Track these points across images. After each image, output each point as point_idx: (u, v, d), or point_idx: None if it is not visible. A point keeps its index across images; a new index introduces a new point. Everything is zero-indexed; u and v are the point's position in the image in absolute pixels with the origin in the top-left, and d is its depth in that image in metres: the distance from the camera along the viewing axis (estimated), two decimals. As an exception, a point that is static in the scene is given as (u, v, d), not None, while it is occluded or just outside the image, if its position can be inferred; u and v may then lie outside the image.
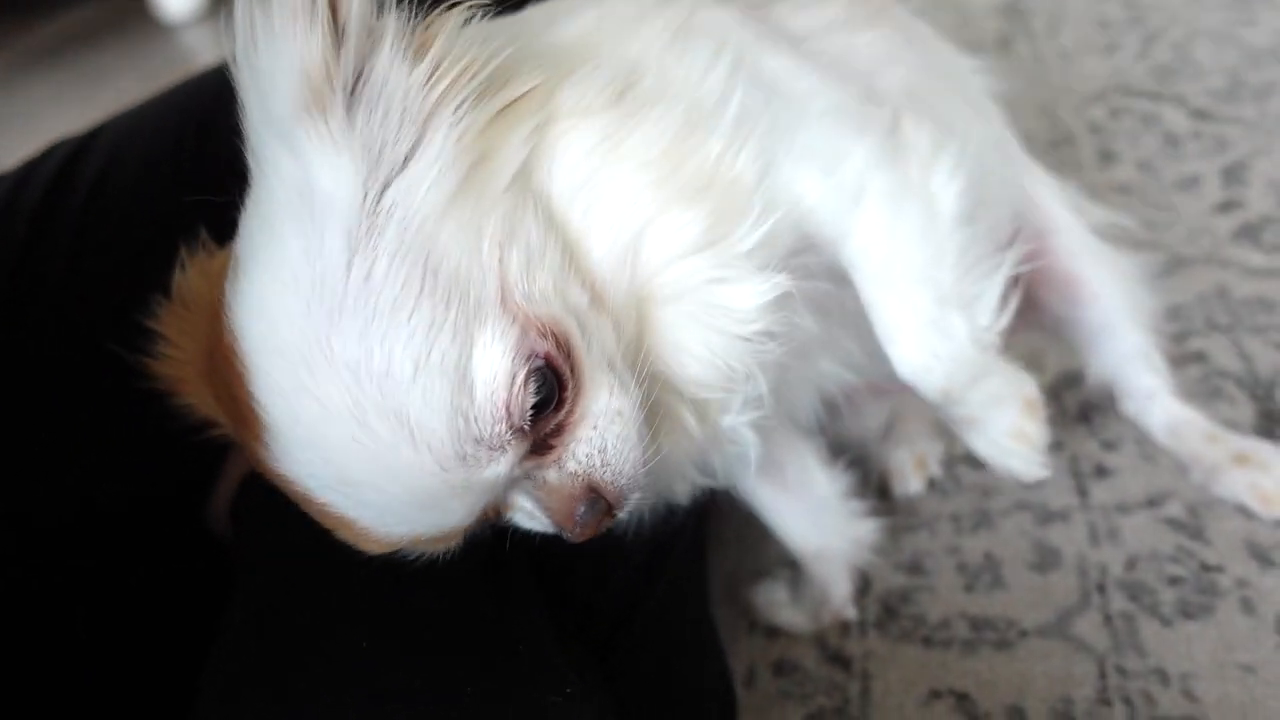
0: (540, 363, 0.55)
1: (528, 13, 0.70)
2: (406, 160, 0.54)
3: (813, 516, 0.97)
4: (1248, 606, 0.91)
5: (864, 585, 1.05)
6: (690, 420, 0.67)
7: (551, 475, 0.59)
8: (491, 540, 0.69)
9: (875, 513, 1.01)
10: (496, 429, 0.54)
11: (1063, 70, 1.78)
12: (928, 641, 0.99)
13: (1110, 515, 1.04)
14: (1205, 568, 0.96)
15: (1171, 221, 1.36)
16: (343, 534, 0.59)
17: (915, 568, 1.06)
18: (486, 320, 0.53)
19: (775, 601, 1.05)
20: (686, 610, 0.89)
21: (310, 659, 0.61)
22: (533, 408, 0.55)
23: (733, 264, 0.63)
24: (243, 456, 0.76)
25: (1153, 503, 1.03)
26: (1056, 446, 1.12)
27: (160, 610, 0.78)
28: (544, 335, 0.55)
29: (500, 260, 0.55)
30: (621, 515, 0.61)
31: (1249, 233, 1.31)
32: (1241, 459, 0.99)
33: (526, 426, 0.55)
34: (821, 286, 0.72)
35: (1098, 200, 1.16)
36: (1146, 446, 1.07)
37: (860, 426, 1.09)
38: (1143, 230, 1.26)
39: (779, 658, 1.02)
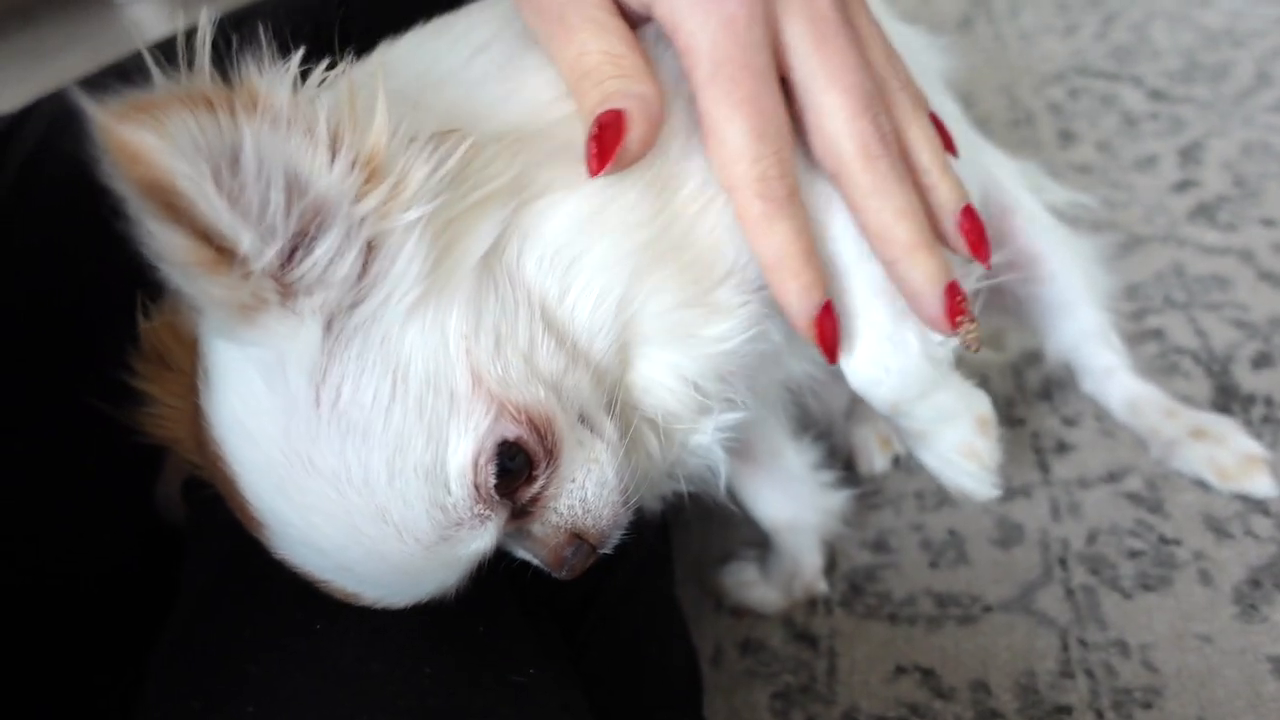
0: (511, 443, 0.56)
1: (448, 77, 0.64)
2: (366, 285, 0.52)
3: (783, 489, 0.97)
4: (1205, 578, 0.92)
5: (830, 564, 1.05)
6: (654, 444, 0.67)
7: (536, 529, 0.60)
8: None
9: (842, 486, 1.01)
10: (475, 510, 0.55)
11: (1023, 50, 1.79)
12: (893, 618, 0.99)
13: (1071, 490, 1.05)
14: (1164, 540, 0.97)
15: (1129, 201, 1.38)
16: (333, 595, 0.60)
17: (880, 545, 1.06)
18: (459, 414, 0.54)
19: (745, 581, 1.04)
20: (652, 589, 0.89)
21: (263, 642, 0.60)
22: (504, 479, 0.56)
23: (712, 311, 0.63)
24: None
25: (1113, 477, 1.04)
26: (1019, 423, 1.13)
27: (107, 595, 0.75)
28: (518, 420, 0.56)
29: (468, 351, 0.55)
30: (608, 550, 0.63)
31: (1204, 211, 1.33)
32: (1199, 433, 1.00)
33: (496, 498, 0.56)
34: None
35: (1058, 180, 1.17)
36: (1106, 422, 1.08)
37: (824, 406, 1.09)
38: (1102, 209, 1.28)
39: (746, 637, 1.02)
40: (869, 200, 0.62)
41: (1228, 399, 1.07)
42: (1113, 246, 1.26)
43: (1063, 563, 0.98)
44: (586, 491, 0.60)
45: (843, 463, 1.14)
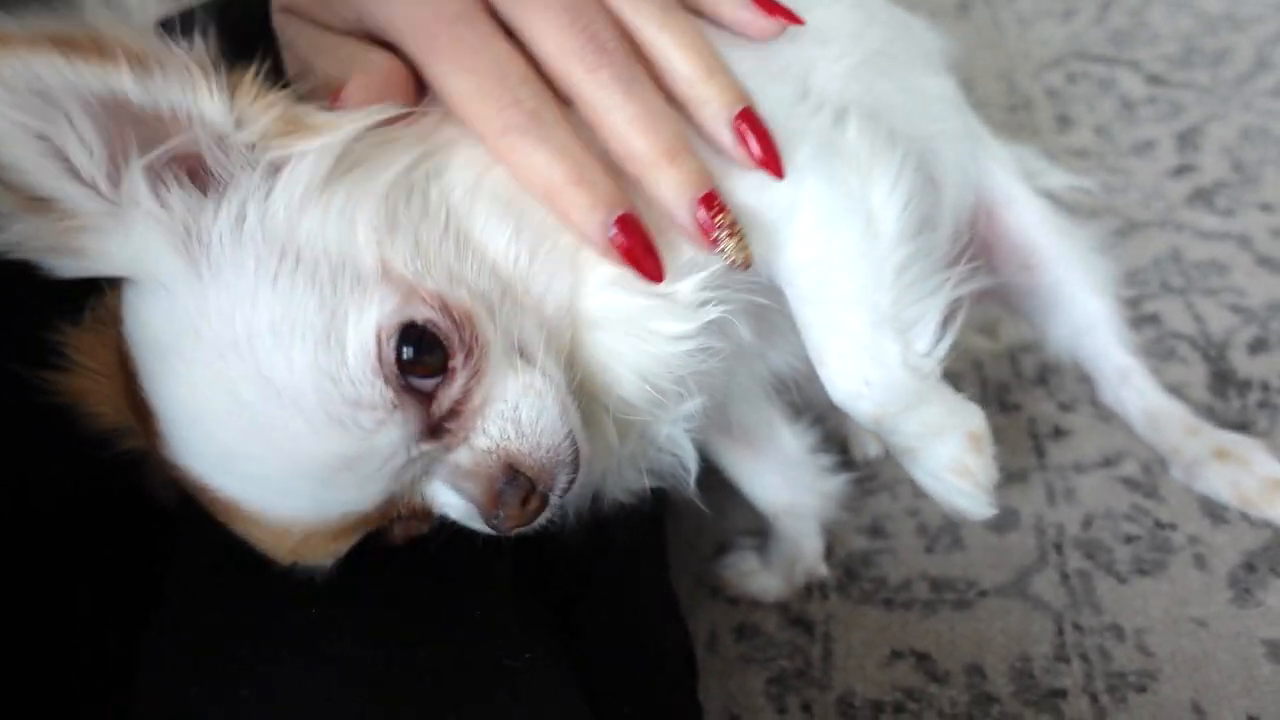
0: (419, 324, 0.54)
1: None
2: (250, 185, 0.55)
3: (782, 473, 0.96)
4: (1200, 562, 0.93)
5: (825, 549, 1.05)
6: (611, 432, 0.65)
7: (464, 457, 0.56)
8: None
9: (838, 471, 1.01)
10: (371, 390, 0.52)
11: (1020, 35, 1.78)
12: (889, 603, 0.99)
13: (1067, 475, 1.05)
14: (1159, 525, 0.97)
15: (1127, 186, 1.37)
16: (241, 529, 0.57)
17: (876, 530, 1.06)
18: (363, 292, 0.53)
19: (745, 571, 1.04)
20: (646, 574, 0.89)
21: (255, 626, 0.60)
22: (415, 365, 0.54)
23: (670, 306, 0.61)
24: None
25: (1108, 462, 1.04)
26: (1014, 408, 1.13)
27: (99, 581, 0.75)
28: (431, 305, 0.54)
29: (379, 243, 0.55)
30: (554, 498, 0.58)
31: (1202, 196, 1.32)
32: (1222, 454, 0.97)
33: (400, 383, 0.53)
34: (759, 300, 0.68)
35: (1056, 164, 1.16)
36: (1102, 408, 1.08)
37: (814, 394, 1.08)
38: (1099, 194, 1.27)
39: (741, 622, 1.02)
40: (602, 116, 0.59)
41: (1224, 384, 1.07)
42: (1110, 232, 1.26)
43: (1058, 547, 0.98)
44: (520, 414, 0.56)
45: (836, 448, 1.13)
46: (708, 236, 0.60)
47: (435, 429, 0.56)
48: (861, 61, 0.77)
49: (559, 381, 0.59)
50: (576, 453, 0.58)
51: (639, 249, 0.59)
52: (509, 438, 0.56)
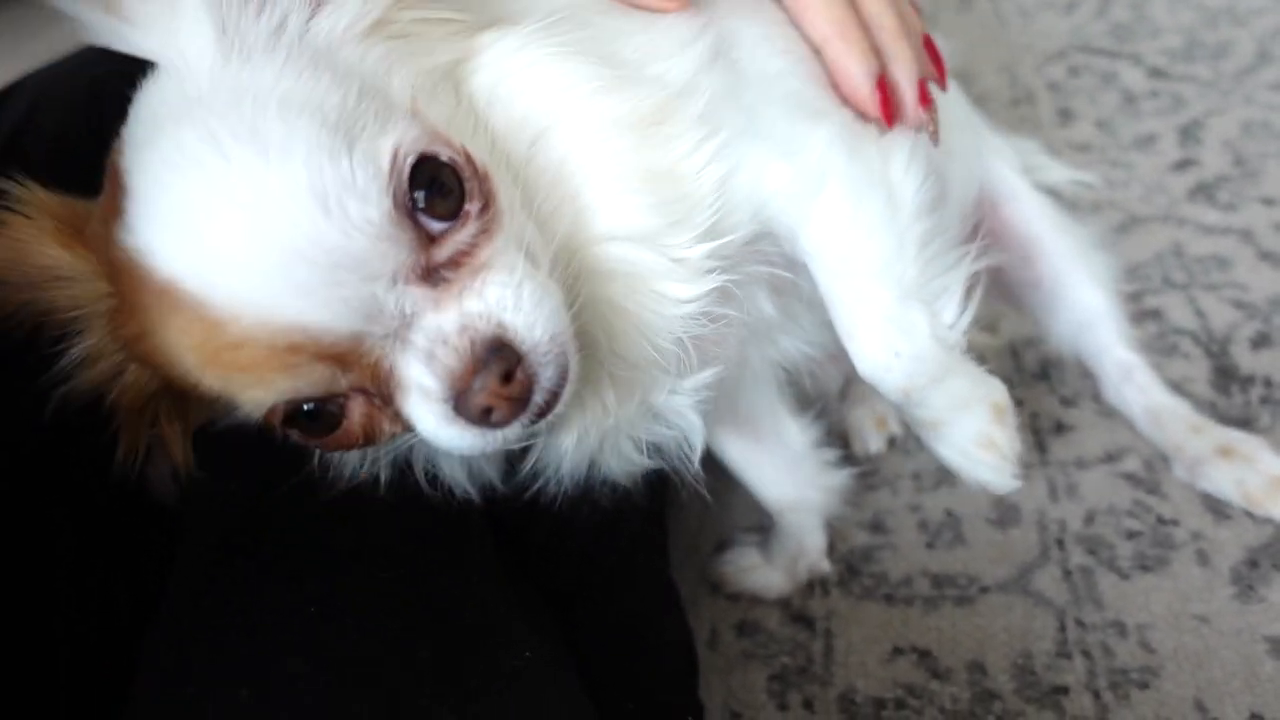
0: (440, 160, 0.52)
1: None
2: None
3: (786, 467, 0.95)
4: (1203, 558, 0.92)
5: (827, 544, 1.05)
6: (608, 392, 0.64)
7: (450, 321, 0.51)
8: (445, 504, 0.67)
9: (841, 466, 1.00)
10: (371, 185, 0.49)
11: (1023, 29, 1.78)
12: (890, 599, 0.99)
13: (1069, 471, 1.04)
14: (1161, 521, 0.97)
15: (1129, 180, 1.37)
16: (176, 326, 0.51)
17: (877, 526, 1.06)
18: (389, 113, 0.52)
19: (748, 567, 1.03)
20: (647, 569, 0.88)
21: (253, 626, 0.59)
22: (430, 211, 0.51)
23: (675, 265, 0.61)
24: (187, 420, 0.73)
25: (1110, 458, 1.04)
26: (1016, 404, 1.12)
27: (98, 576, 0.75)
28: (455, 150, 0.52)
29: (414, 98, 0.54)
30: (536, 397, 0.53)
31: (1204, 190, 1.32)
32: (1226, 451, 0.96)
33: (407, 207, 0.50)
34: (779, 273, 0.69)
35: (1057, 158, 1.16)
36: (1104, 403, 1.07)
37: (820, 386, 1.08)
38: (1101, 188, 1.27)
39: (742, 619, 1.02)
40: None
41: (1227, 380, 1.07)
42: (1112, 226, 1.26)
43: (1060, 543, 0.98)
44: (524, 290, 0.52)
45: (838, 444, 1.13)
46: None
47: (430, 273, 0.52)
48: None
49: (558, 294, 0.55)
50: (568, 361, 0.54)
51: (889, 102, 0.71)
52: (506, 307, 0.52)
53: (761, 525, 1.04)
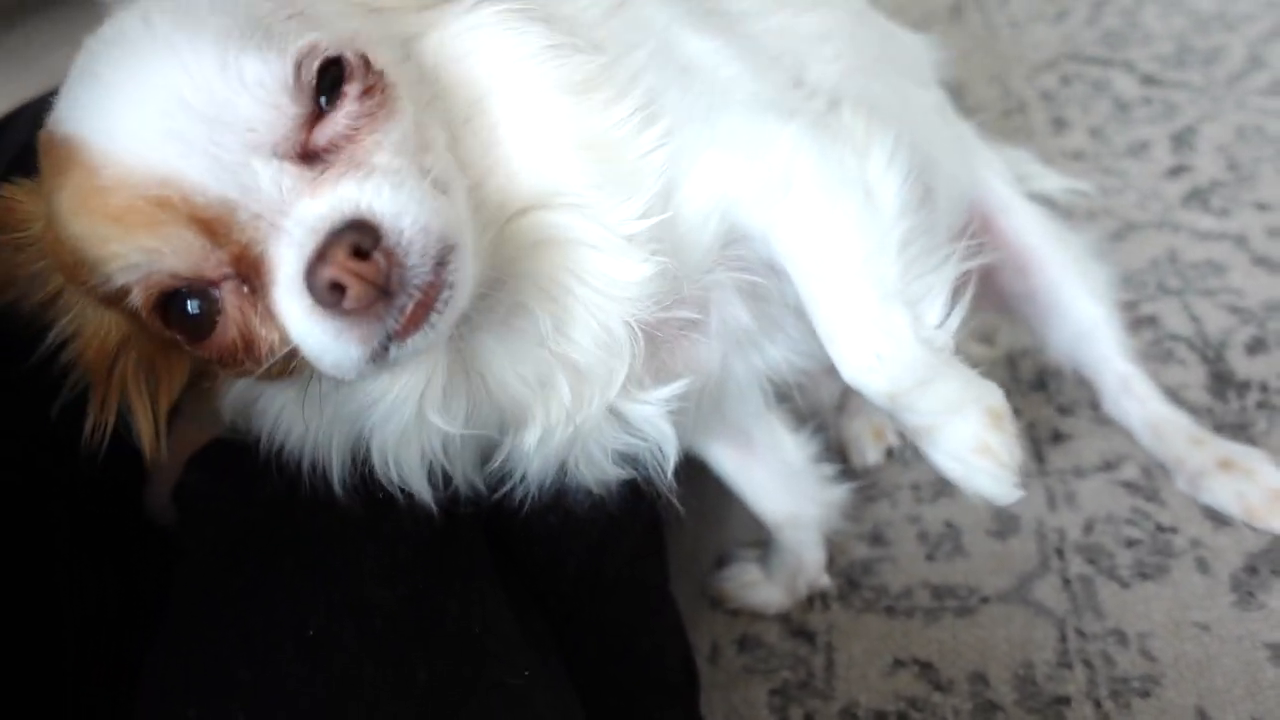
0: (333, 56, 0.52)
1: None
2: None
3: (784, 482, 0.95)
4: (1203, 566, 0.92)
5: (826, 558, 1.05)
6: (564, 391, 0.63)
7: (321, 207, 0.49)
8: (444, 521, 0.68)
9: (839, 479, 1.00)
10: (274, 59, 0.50)
11: (1014, 38, 1.78)
12: (890, 611, 0.99)
13: (1067, 480, 1.04)
14: (1161, 529, 0.97)
15: (1122, 187, 1.37)
16: (70, 185, 0.52)
17: (877, 538, 1.06)
18: (314, 29, 0.53)
19: (748, 582, 1.03)
20: (644, 583, 0.88)
21: (254, 646, 0.59)
22: (326, 105, 0.52)
23: (609, 239, 0.61)
24: (185, 440, 0.73)
25: (1108, 466, 1.04)
26: (1014, 414, 1.12)
27: (97, 601, 0.75)
28: (355, 52, 0.53)
29: (354, 34, 0.55)
30: (406, 293, 0.49)
31: (1198, 196, 1.32)
32: (1227, 464, 0.96)
33: (304, 81, 0.51)
34: (754, 279, 0.69)
35: (1050, 167, 1.17)
36: (1101, 411, 1.07)
37: (815, 399, 1.08)
38: (1095, 196, 1.27)
39: (742, 633, 1.02)
40: None
41: (1223, 385, 1.07)
42: (1106, 234, 1.26)
43: (1060, 553, 0.98)
44: (403, 189, 0.50)
45: (836, 457, 1.13)
46: None
47: (310, 156, 0.51)
48: (857, 65, 0.78)
49: (471, 244, 0.53)
50: (451, 260, 0.51)
51: None
52: (381, 194, 0.50)
53: (760, 540, 1.04)
